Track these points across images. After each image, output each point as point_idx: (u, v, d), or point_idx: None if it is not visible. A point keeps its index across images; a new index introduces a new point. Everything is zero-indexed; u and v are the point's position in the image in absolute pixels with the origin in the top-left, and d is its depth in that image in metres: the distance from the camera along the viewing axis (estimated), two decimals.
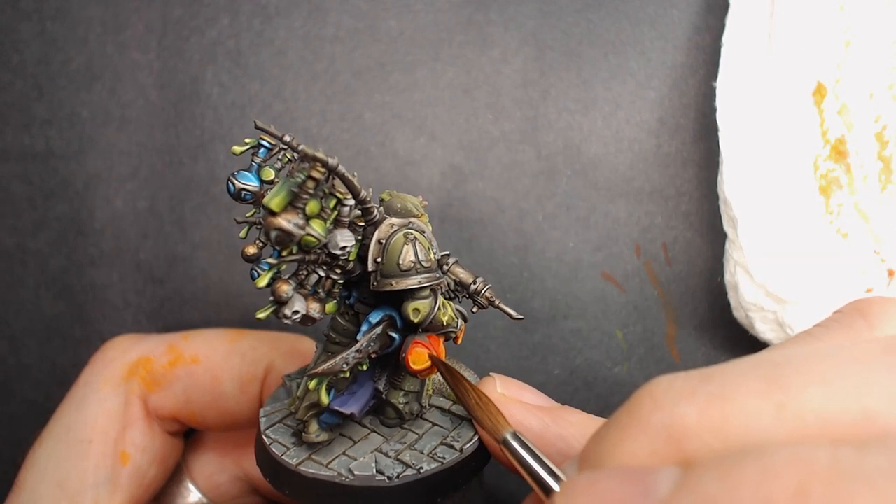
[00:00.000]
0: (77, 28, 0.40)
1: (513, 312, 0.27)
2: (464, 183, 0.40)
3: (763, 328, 0.36)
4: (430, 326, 0.24)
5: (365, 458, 0.25)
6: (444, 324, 0.25)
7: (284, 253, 0.22)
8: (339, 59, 0.40)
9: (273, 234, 0.21)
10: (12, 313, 0.42)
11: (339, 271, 0.24)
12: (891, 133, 0.34)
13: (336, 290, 0.25)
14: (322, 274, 0.24)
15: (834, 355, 0.15)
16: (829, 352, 0.16)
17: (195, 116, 0.41)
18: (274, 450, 0.25)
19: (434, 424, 0.27)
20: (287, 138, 0.22)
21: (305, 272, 0.23)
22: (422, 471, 0.24)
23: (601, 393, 0.41)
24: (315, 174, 0.21)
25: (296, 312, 0.22)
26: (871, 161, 0.34)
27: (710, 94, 0.38)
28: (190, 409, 0.33)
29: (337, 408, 0.25)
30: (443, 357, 0.25)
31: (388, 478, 0.24)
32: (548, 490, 0.19)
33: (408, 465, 0.24)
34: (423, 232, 0.24)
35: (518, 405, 0.24)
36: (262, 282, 0.22)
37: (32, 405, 0.43)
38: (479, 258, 0.41)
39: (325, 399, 0.24)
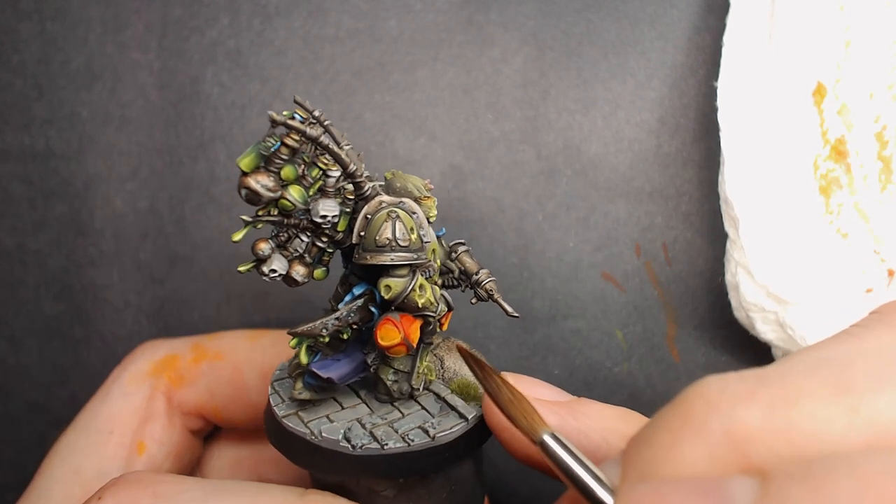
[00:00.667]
0: (77, 28, 0.40)
1: (509, 308, 0.27)
2: (464, 183, 0.40)
3: (764, 328, 0.36)
4: (404, 306, 0.24)
5: (339, 424, 0.25)
6: (420, 305, 0.24)
7: (261, 213, 0.24)
8: (339, 59, 0.40)
9: (243, 192, 0.23)
10: (12, 313, 0.42)
11: (325, 239, 0.25)
12: (891, 133, 0.34)
13: (326, 259, 0.26)
14: (306, 239, 0.25)
15: None
16: (893, 353, 0.15)
17: (195, 116, 0.41)
18: (271, 400, 0.27)
19: (423, 408, 0.27)
20: (316, 113, 0.24)
21: (286, 235, 0.25)
22: (386, 447, 0.24)
23: (601, 393, 0.41)
24: (289, 142, 0.23)
25: (273, 271, 0.24)
26: (871, 161, 0.34)
27: (710, 94, 0.38)
28: (214, 403, 0.34)
29: (315, 370, 0.26)
30: (413, 339, 0.25)
31: (353, 446, 0.24)
32: (590, 494, 0.18)
33: (375, 439, 0.25)
34: (414, 213, 0.24)
35: (533, 402, 0.24)
36: (237, 236, 0.24)
37: (32, 405, 0.43)
38: (479, 258, 0.40)
39: (304, 359, 0.26)
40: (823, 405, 0.14)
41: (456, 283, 0.28)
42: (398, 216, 0.24)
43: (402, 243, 0.24)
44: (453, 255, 0.28)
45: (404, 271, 0.24)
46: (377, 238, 0.24)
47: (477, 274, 0.27)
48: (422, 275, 0.25)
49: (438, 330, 0.27)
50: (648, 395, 0.41)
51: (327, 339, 0.26)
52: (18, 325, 0.42)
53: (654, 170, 0.40)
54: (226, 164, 0.41)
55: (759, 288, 0.35)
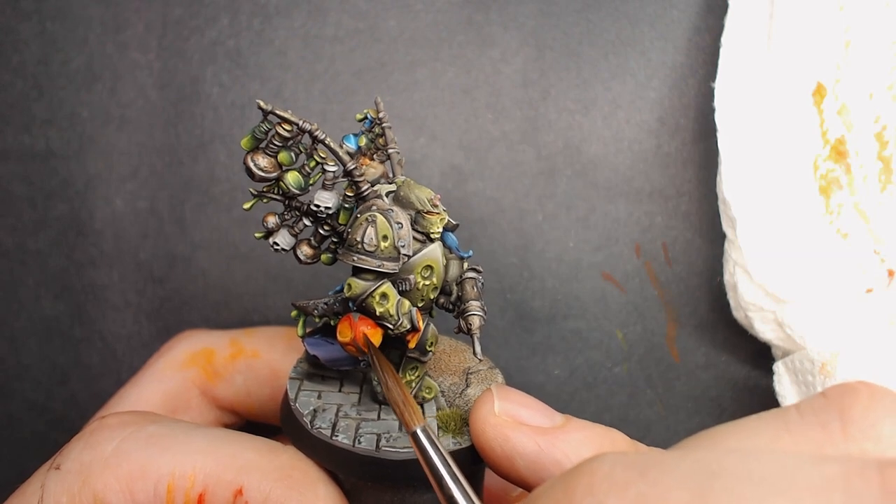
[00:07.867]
0: (77, 28, 0.40)
1: (478, 349, 0.26)
2: (464, 183, 0.40)
3: (762, 328, 0.36)
4: (362, 308, 0.25)
5: (320, 403, 0.27)
6: (377, 313, 0.24)
7: (266, 189, 0.26)
8: (339, 59, 0.40)
9: (244, 168, 0.25)
10: (12, 313, 0.42)
11: (326, 228, 0.27)
12: (891, 133, 0.34)
13: (333, 246, 0.27)
14: (310, 224, 0.27)
15: (769, 483, 0.15)
16: (769, 474, 0.15)
17: (195, 116, 0.41)
18: (299, 363, 0.30)
19: (396, 420, 0.26)
20: (307, 126, 0.25)
21: (290, 216, 0.27)
22: (333, 439, 0.25)
23: (601, 393, 0.41)
24: (280, 131, 0.24)
25: (276, 244, 0.26)
26: (871, 161, 0.34)
27: (709, 95, 0.38)
28: (250, 401, 0.34)
29: (305, 344, 0.28)
30: (363, 343, 0.25)
31: (310, 424, 0.25)
32: (446, 491, 0.20)
33: (333, 428, 0.25)
34: (398, 223, 0.24)
35: (513, 429, 0.23)
36: (247, 205, 0.26)
37: (32, 405, 0.43)
38: (479, 258, 0.41)
39: (299, 330, 0.28)
40: None
41: (451, 307, 0.27)
42: (375, 220, 0.24)
43: (367, 248, 0.24)
44: (460, 278, 0.27)
45: (369, 275, 0.24)
46: (348, 238, 0.24)
47: (467, 304, 0.26)
48: (397, 287, 0.25)
49: (429, 350, 0.26)
50: (648, 396, 0.41)
51: (318, 318, 0.27)
52: (18, 325, 0.42)
53: (654, 170, 0.40)
54: (226, 164, 0.41)
55: (756, 287, 0.35)
